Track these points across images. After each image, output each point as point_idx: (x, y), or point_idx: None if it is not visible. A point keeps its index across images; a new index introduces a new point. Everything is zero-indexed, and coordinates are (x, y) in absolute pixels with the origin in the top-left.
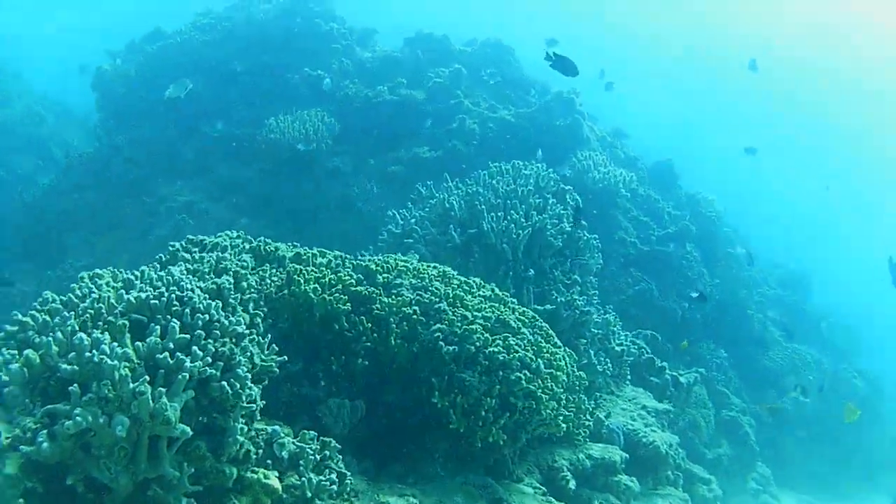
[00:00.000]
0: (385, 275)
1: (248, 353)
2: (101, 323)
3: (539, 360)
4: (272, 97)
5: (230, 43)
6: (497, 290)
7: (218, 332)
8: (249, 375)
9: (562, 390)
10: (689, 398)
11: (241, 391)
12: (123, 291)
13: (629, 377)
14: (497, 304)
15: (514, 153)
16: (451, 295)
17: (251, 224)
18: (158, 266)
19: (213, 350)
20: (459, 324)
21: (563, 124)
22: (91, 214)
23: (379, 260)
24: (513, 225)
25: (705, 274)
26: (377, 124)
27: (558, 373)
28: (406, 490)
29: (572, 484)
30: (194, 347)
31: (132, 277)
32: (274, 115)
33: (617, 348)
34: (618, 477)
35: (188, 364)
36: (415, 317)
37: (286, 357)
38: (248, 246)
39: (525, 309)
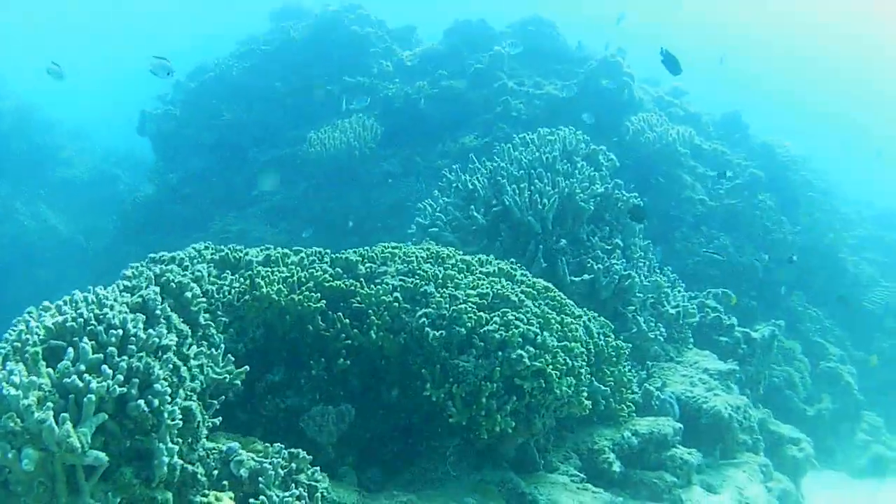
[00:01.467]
0: (368, 264)
1: (171, 365)
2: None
3: (546, 333)
4: (315, 112)
5: (270, 66)
6: (503, 265)
7: (134, 346)
8: (170, 390)
9: (582, 363)
10: (767, 354)
11: (161, 408)
12: (48, 318)
13: (692, 340)
14: (499, 280)
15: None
16: (440, 276)
17: (310, 241)
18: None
19: (127, 367)
20: (447, 305)
21: (612, 90)
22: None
23: (361, 250)
24: (537, 195)
25: (784, 222)
26: (420, 121)
27: (574, 345)
28: (402, 496)
29: (617, 466)
30: (104, 366)
31: (62, 303)
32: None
33: (671, 311)
34: (671, 451)
35: (94, 385)
36: (396, 305)
37: (248, 367)
38: (216, 256)
39: (536, 280)
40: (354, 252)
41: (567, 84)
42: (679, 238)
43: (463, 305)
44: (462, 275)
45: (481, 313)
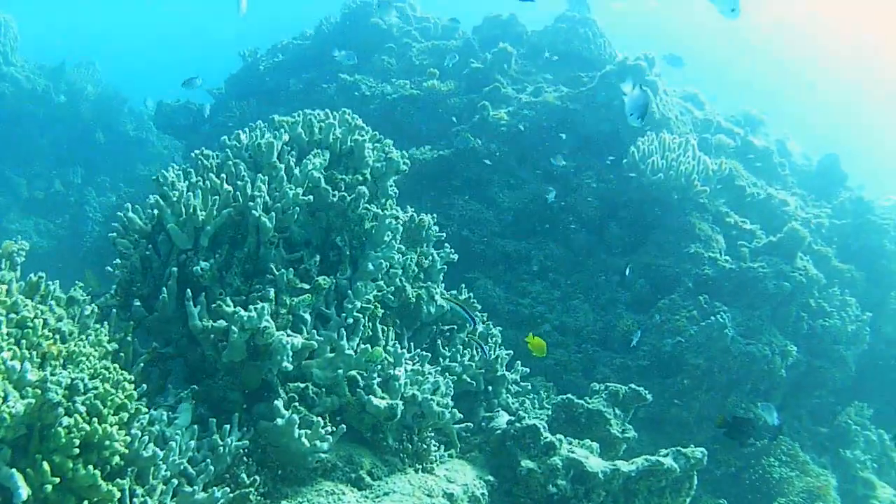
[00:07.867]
0: None
1: None
2: None
3: None
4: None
5: (294, 62)
6: None
7: None
8: None
9: None
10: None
11: None
12: None
13: (434, 456)
14: None
15: (557, 146)
16: None
17: None
18: None
19: None
20: None
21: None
22: None
23: None
24: (192, 194)
25: (850, 303)
26: (395, 127)
27: None
28: None
29: None
30: None
31: None
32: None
33: (379, 404)
34: None
35: None
36: None
37: None
38: None
39: None
40: None
41: (572, 93)
42: (663, 307)
43: None
44: None
45: None
